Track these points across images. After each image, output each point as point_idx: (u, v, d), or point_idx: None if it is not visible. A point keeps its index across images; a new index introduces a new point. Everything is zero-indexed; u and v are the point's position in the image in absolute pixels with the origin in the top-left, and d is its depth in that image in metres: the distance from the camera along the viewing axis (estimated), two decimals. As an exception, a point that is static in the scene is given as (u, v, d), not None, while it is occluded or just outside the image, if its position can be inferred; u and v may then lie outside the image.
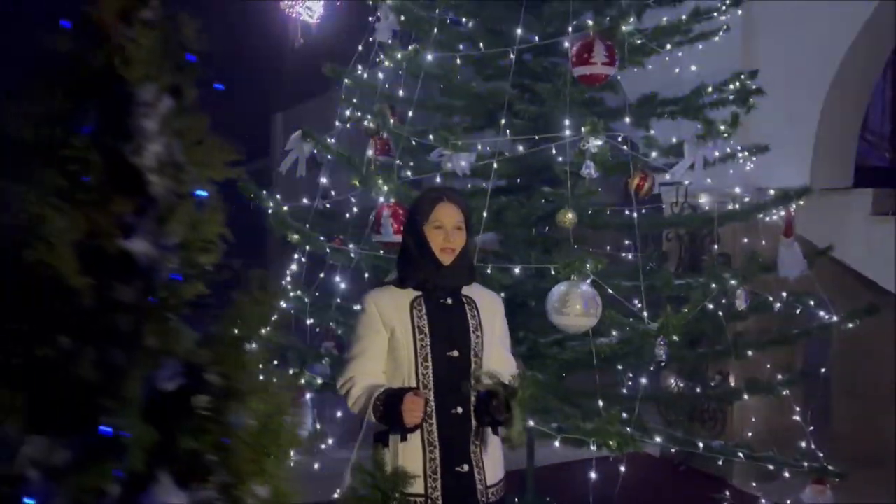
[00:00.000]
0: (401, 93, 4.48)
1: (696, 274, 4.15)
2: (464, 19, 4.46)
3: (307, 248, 4.56)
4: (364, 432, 2.67)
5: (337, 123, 4.50)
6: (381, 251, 3.72)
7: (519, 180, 4.38)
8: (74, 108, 1.01)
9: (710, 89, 4.11)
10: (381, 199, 3.73)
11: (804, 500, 3.86)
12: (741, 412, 5.30)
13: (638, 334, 3.35)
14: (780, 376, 4.73)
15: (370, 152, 4.53)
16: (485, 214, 3.77)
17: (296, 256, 4.64)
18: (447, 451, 2.58)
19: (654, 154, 3.94)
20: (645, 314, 3.51)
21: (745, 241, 5.30)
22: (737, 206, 4.99)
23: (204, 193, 1.04)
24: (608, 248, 5.27)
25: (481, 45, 4.21)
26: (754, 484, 5.18)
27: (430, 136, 3.66)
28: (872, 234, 5.08)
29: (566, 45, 3.77)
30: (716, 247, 5.39)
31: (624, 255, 5.06)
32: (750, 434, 4.97)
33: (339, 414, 4.70)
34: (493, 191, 4.61)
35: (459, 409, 2.60)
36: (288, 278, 4.46)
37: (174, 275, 1.01)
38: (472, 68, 4.56)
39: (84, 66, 1.02)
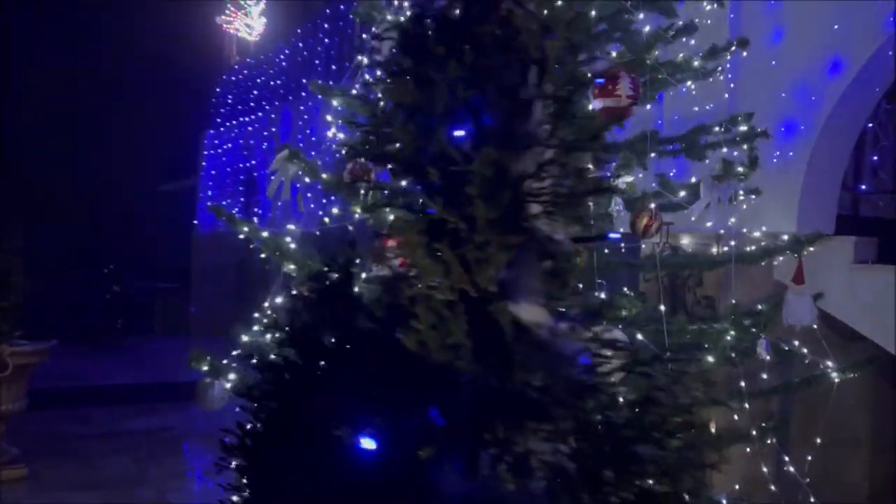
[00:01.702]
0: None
1: (710, 320, 4.00)
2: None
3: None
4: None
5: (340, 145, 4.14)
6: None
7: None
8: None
9: (717, 129, 3.98)
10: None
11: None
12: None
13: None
14: (763, 424, 4.63)
15: (346, 176, 4.24)
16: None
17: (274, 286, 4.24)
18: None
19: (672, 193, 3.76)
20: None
21: (727, 283, 5.21)
22: (724, 249, 4.90)
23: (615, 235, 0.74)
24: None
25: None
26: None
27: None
28: (854, 282, 5.08)
29: (588, 75, 3.56)
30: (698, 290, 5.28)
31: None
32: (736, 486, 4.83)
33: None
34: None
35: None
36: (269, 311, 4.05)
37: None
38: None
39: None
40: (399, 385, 0.72)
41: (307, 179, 4.31)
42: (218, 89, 15.33)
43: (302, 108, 11.91)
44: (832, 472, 5.61)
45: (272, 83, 12.99)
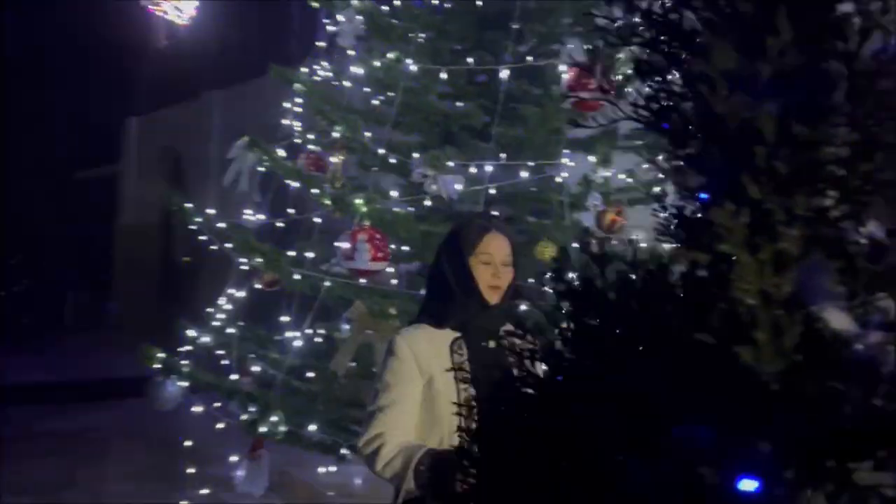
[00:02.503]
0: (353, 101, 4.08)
1: None
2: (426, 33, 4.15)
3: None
4: (404, 501, 2.23)
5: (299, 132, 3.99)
6: (363, 280, 3.28)
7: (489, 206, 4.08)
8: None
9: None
10: (356, 222, 3.31)
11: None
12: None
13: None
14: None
15: (300, 165, 4.11)
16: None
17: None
18: (495, 521, 2.21)
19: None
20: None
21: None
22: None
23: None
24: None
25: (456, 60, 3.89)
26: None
27: (415, 155, 3.28)
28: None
29: (561, 68, 3.54)
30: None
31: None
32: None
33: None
34: (460, 217, 4.31)
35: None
36: (228, 307, 3.89)
37: None
38: (431, 85, 4.22)
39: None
40: (731, 406, 0.62)
41: (261, 168, 4.15)
42: (144, 74, 14.73)
43: (233, 95, 11.56)
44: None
45: (204, 68, 12.56)
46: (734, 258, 0.57)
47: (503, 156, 3.65)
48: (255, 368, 4.33)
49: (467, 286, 2.27)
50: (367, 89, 4.16)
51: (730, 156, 0.60)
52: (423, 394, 2.23)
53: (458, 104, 4.19)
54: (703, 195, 0.74)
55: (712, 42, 0.61)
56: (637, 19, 0.86)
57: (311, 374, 3.87)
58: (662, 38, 0.80)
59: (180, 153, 13.77)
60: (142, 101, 15.28)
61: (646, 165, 3.63)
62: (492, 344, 2.31)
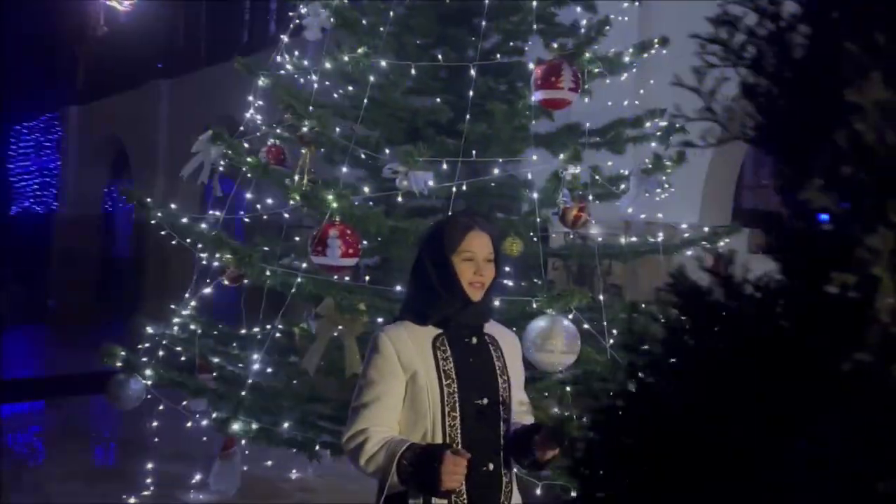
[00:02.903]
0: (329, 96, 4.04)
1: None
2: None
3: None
4: (386, 496, 2.24)
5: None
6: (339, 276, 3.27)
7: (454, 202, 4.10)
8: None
9: (648, 124, 4.12)
10: (327, 218, 3.29)
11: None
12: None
13: (613, 369, 3.21)
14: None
15: (262, 159, 4.08)
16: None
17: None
18: (477, 516, 2.24)
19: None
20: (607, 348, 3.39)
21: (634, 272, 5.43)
22: (634, 239, 5.09)
23: None
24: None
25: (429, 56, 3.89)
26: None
27: (387, 151, 3.29)
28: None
29: (531, 66, 3.58)
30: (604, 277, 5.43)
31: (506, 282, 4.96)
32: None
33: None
34: (428, 211, 4.33)
35: (490, 466, 2.28)
36: (192, 303, 3.82)
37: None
38: (399, 80, 4.22)
39: None
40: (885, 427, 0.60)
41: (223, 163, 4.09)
42: (82, 61, 14.27)
43: (182, 85, 11.30)
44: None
45: (149, 56, 12.23)
46: (880, 280, 0.58)
47: (474, 152, 3.67)
48: (219, 365, 4.28)
49: (450, 284, 2.29)
50: (327, 83, 4.14)
51: (878, 180, 0.62)
52: (406, 390, 2.25)
53: (424, 100, 4.19)
54: (823, 216, 0.77)
55: (862, 72, 0.64)
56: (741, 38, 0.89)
57: (270, 371, 3.84)
58: (770, 60, 0.82)
59: (124, 143, 13.40)
60: (82, 89, 14.81)
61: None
62: (474, 340, 2.36)
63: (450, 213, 2.44)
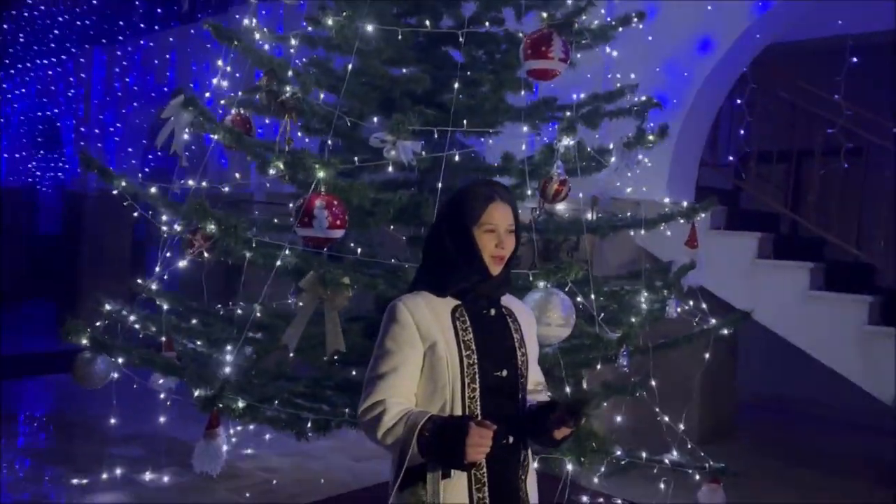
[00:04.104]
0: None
1: (629, 280, 4.14)
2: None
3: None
4: (406, 468, 2.16)
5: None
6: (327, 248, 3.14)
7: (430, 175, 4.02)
8: None
9: (634, 97, 4.11)
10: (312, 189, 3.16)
11: (700, 500, 4.00)
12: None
13: (603, 343, 3.21)
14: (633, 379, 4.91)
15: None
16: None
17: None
18: (497, 490, 2.19)
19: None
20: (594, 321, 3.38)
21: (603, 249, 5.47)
22: (600, 215, 5.11)
23: None
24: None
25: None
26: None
27: (375, 119, 3.17)
28: (709, 247, 5.53)
29: (520, 35, 3.51)
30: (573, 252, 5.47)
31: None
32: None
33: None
34: (401, 184, 4.22)
35: (510, 439, 2.23)
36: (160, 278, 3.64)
37: None
38: (384, 47, 4.07)
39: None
40: None
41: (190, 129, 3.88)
42: (6, 26, 13.44)
43: (119, 52, 10.76)
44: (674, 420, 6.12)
45: (79, 23, 11.60)
46: None
47: (465, 122, 3.58)
48: (187, 343, 4.12)
49: (470, 256, 2.22)
50: (292, 50, 3.98)
51: None
52: (424, 360, 2.18)
53: (404, 69, 4.08)
54: None
55: None
56: None
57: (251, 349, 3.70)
58: None
59: (55, 112, 12.72)
60: (8, 56, 13.98)
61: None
62: (493, 312, 2.30)
63: (470, 184, 2.35)
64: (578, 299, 3.28)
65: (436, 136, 3.42)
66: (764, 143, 6.11)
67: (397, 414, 2.09)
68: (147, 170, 10.57)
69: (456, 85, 3.53)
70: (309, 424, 3.19)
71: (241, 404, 3.02)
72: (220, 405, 2.94)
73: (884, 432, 6.92)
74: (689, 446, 4.43)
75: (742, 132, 5.68)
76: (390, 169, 3.35)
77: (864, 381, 5.15)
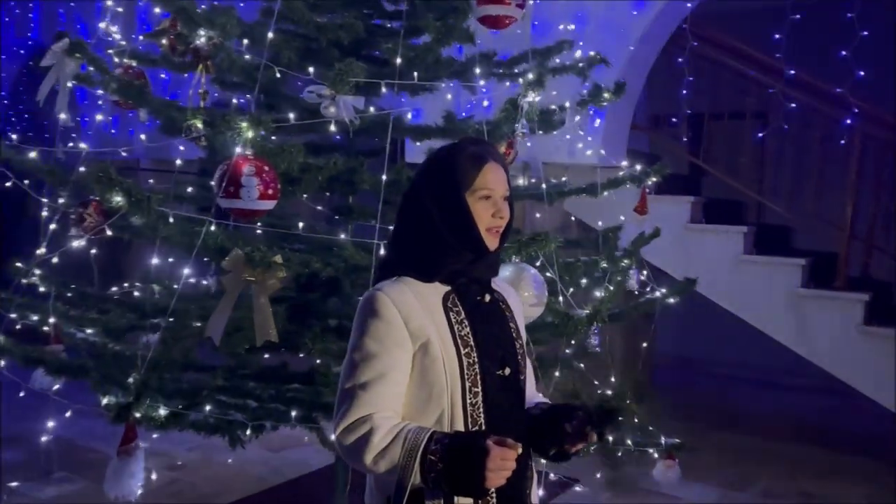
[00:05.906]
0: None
1: (586, 252, 3.83)
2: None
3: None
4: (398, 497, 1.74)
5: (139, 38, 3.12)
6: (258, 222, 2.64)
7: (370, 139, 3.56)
8: None
9: (580, 53, 3.77)
10: (237, 152, 2.64)
11: (655, 477, 3.83)
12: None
13: (573, 322, 2.89)
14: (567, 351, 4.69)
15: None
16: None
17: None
18: (505, 507, 1.83)
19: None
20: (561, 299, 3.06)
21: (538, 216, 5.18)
22: (533, 180, 4.79)
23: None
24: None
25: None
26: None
27: (310, 70, 2.69)
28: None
29: (473, -24, 3.08)
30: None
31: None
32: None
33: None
34: (328, 148, 3.74)
35: (519, 449, 1.86)
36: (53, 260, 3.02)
37: None
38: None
39: None
40: None
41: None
42: None
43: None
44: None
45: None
46: None
47: (416, 74, 3.13)
48: (73, 334, 3.52)
49: (464, 229, 1.82)
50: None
51: None
52: (414, 363, 1.77)
53: (324, 17, 3.57)
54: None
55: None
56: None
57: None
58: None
59: None
60: None
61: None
62: (487, 298, 1.91)
63: (455, 143, 1.92)
64: (548, 274, 2.95)
65: (383, 90, 2.95)
66: (693, 105, 5.94)
67: (389, 433, 1.67)
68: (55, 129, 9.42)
69: (401, 33, 3.06)
70: (249, 431, 2.70)
71: (162, 412, 2.50)
72: (138, 414, 2.41)
73: (802, 389, 7.20)
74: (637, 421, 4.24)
75: (684, 92, 5.48)
76: (332, 128, 2.86)
77: (795, 342, 5.14)
